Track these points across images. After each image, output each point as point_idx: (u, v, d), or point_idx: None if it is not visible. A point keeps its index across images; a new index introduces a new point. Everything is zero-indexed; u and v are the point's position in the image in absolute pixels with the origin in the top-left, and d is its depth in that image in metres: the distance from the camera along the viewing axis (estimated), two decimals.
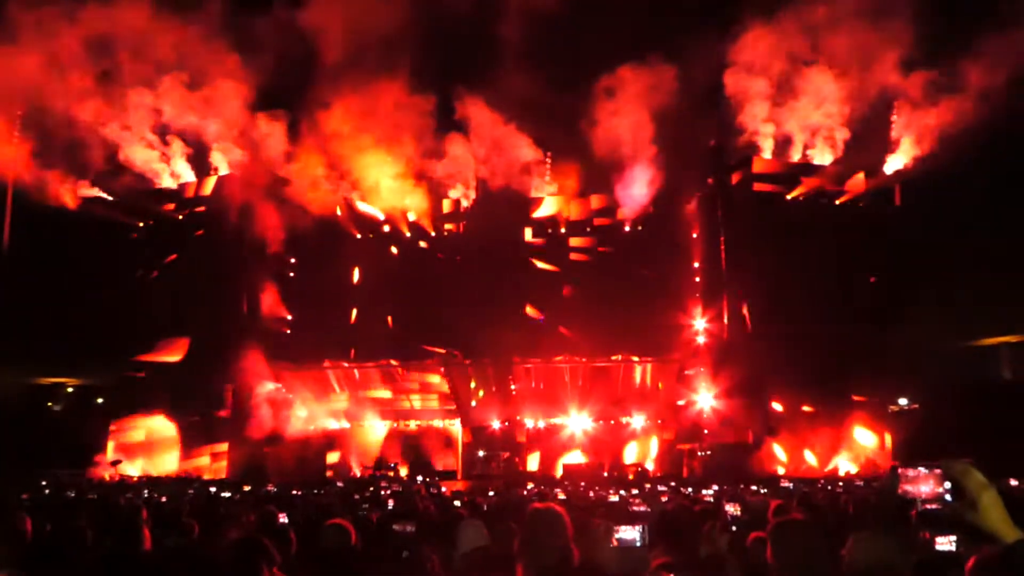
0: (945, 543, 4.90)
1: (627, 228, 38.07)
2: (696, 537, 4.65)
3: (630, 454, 35.65)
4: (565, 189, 38.35)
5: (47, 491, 21.41)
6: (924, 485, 2.52)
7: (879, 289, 33.67)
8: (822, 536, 3.93)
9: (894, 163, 35.23)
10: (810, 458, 33.44)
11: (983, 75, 30.18)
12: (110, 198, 38.08)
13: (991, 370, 37.89)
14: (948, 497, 2.47)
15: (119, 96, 35.29)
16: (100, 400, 39.31)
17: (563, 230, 38.38)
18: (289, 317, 38.69)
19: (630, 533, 3.92)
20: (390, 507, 12.88)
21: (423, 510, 10.41)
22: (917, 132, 33.99)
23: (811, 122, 35.19)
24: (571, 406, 36.71)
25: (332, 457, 36.16)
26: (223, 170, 38.29)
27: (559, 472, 33.68)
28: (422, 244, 39.01)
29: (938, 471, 2.54)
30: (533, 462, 35.86)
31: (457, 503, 11.58)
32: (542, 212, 38.57)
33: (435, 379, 37.77)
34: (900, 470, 2.54)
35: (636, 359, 36.43)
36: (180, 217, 38.68)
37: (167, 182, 38.49)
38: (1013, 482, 20.39)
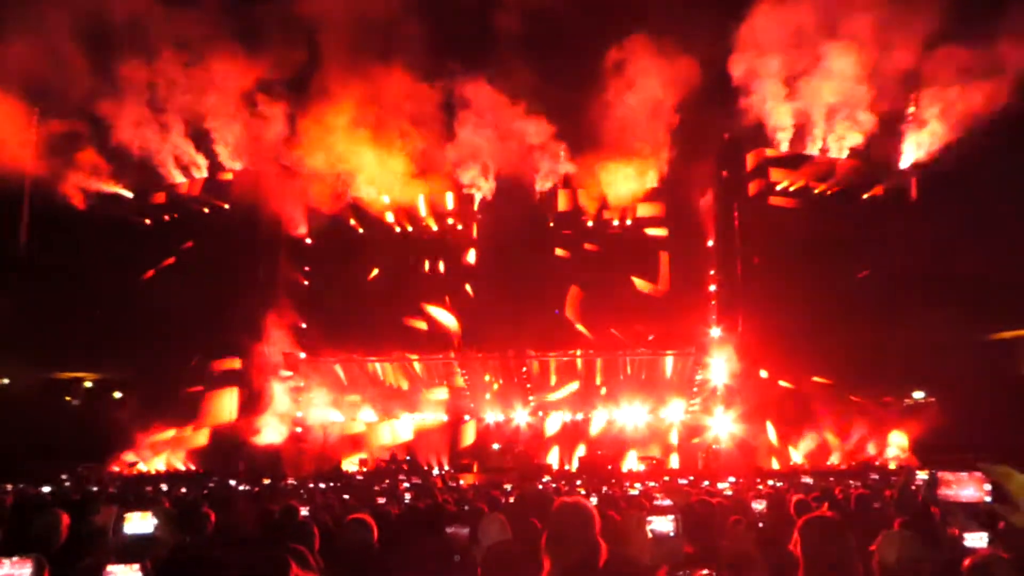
0: (976, 539, 4.88)
1: (642, 222, 37.88)
2: (723, 531, 4.66)
3: (646, 447, 35.59)
4: (579, 182, 38.19)
5: (67, 484, 21.66)
6: (964, 489, 2.52)
7: (897, 283, 33.43)
8: (850, 533, 3.92)
9: (910, 155, 34.95)
10: (826, 451, 33.34)
11: (1003, 66, 29.82)
12: (126, 193, 38.27)
13: (1010, 363, 37.65)
14: (989, 499, 2.48)
15: (126, 90, 35.28)
16: (118, 394, 39.53)
17: (579, 222, 38.23)
18: (305, 310, 38.85)
19: (664, 524, 3.94)
20: (407, 500, 12.94)
21: (442, 503, 10.45)
22: (934, 125, 33.70)
23: (827, 114, 34.89)
24: (585, 400, 36.74)
25: (348, 450, 36.27)
26: (237, 165, 38.37)
27: (575, 465, 33.73)
28: (434, 236, 38.95)
29: (978, 474, 2.54)
30: (548, 455, 35.86)
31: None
32: (555, 205, 38.46)
33: (450, 372, 37.84)
34: (939, 474, 2.55)
35: (652, 352, 36.34)
36: (205, 210, 38.83)
37: (180, 178, 38.59)
38: None
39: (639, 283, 36.54)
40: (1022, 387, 35.18)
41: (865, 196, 35.63)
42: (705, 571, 2.78)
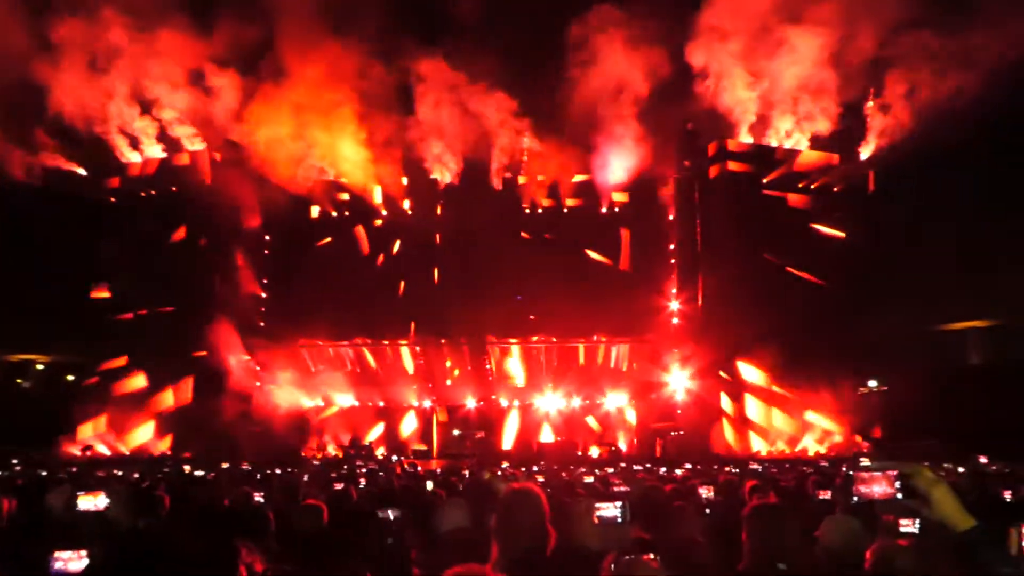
0: (909, 525, 5.04)
1: (603, 210, 38.04)
2: (671, 516, 4.73)
3: (603, 434, 35.88)
4: (541, 169, 38.18)
5: (18, 468, 21.29)
6: (877, 486, 2.61)
7: (851, 273, 33.98)
8: (795, 519, 4.00)
9: (869, 147, 35.51)
10: (780, 440, 33.87)
11: (962, 61, 30.30)
12: (81, 172, 37.51)
13: (960, 354, 38.58)
14: (900, 496, 2.58)
15: (79, 67, 34.51)
16: (71, 377, 38.91)
17: (540, 210, 38.27)
18: (263, 295, 38.50)
19: (611, 510, 3.99)
20: (362, 484, 12.91)
21: (399, 488, 10.45)
22: (890, 118, 34.25)
23: (788, 104, 35.28)
24: (546, 386, 36.91)
25: (306, 436, 36.07)
26: (195, 146, 37.79)
27: (533, 451, 33.86)
28: (396, 221, 38.73)
29: (891, 472, 2.63)
30: (507, 442, 36.00)
31: (430, 484, 11.62)
32: (519, 191, 38.45)
33: (409, 358, 37.75)
34: (854, 473, 2.64)
35: (610, 340, 36.58)
36: (152, 192, 38.09)
37: (137, 158, 37.88)
38: (983, 459, 20.90)
39: (594, 255, 36.72)
40: (971, 376, 36.12)
41: (823, 187, 36.13)
42: (651, 555, 2.83)
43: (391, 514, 4.70)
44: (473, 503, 5.73)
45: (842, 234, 34.89)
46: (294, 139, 35.49)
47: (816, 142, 35.87)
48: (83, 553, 3.36)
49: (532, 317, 36.91)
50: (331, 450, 34.62)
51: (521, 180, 38.22)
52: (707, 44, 33.91)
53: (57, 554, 3.37)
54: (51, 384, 38.28)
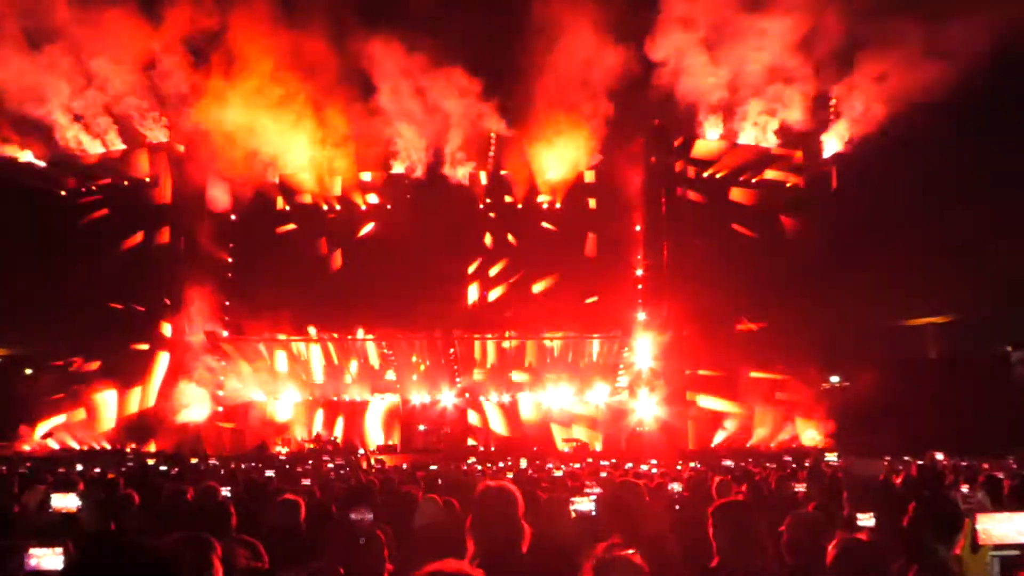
0: (866, 519, 5.19)
1: (569, 205, 38.16)
2: (640, 512, 4.80)
3: (570, 429, 36.02)
4: (509, 164, 38.18)
5: None
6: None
7: (815, 270, 34.44)
8: (761, 515, 4.09)
9: (831, 145, 35.98)
10: (745, 434, 34.28)
11: (924, 56, 30.68)
12: (39, 163, 36.82)
13: (918, 348, 39.28)
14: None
15: (35, 58, 33.85)
16: (28, 371, 38.24)
17: (507, 203, 38.29)
18: (226, 289, 38.13)
19: (586, 504, 4.06)
20: (331, 478, 12.88)
21: (369, 485, 10.45)
22: (853, 115, 34.74)
23: (754, 102, 35.62)
24: (513, 381, 36.96)
25: (272, 431, 35.83)
26: (154, 138, 37.27)
27: (499, 447, 33.93)
28: (360, 214, 38.51)
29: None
30: (474, 437, 36.02)
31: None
32: (485, 184, 38.44)
33: (376, 353, 37.60)
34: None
35: (577, 335, 36.72)
36: (111, 184, 37.49)
37: (95, 149, 37.21)
38: (939, 456, 21.32)
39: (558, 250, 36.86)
40: (932, 371, 36.83)
41: (788, 184, 36.57)
42: (631, 551, 2.89)
43: (364, 515, 4.72)
44: (448, 499, 5.77)
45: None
46: (250, 131, 35.06)
47: (780, 139, 36.25)
48: (59, 551, 3.35)
49: (498, 311, 36.92)
50: (295, 446, 34.38)
51: (487, 172, 38.17)
52: (671, 35, 34.05)
53: (32, 551, 3.36)
54: (8, 377, 37.56)
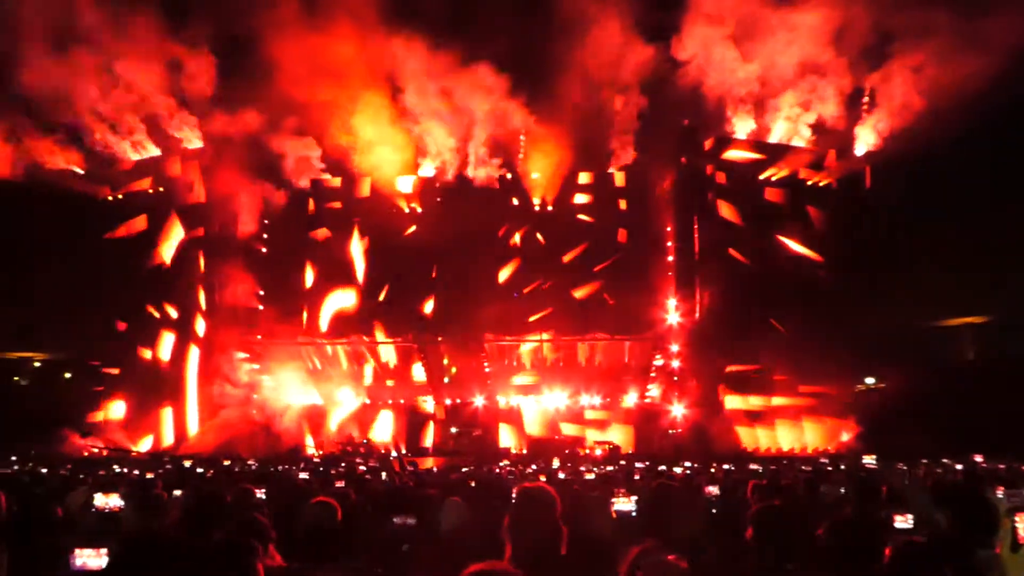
0: (903, 521, 5.11)
1: (600, 207, 38.11)
2: (676, 514, 4.79)
3: (602, 432, 35.89)
4: (538, 161, 38.15)
5: (16, 467, 21.28)
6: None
7: (848, 271, 34.06)
8: (799, 520, 4.06)
9: (864, 143, 35.50)
10: (778, 437, 33.96)
11: (961, 48, 30.17)
12: (77, 170, 37.42)
13: (955, 350, 38.73)
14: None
15: (75, 65, 34.35)
16: (68, 375, 38.92)
17: (537, 208, 38.28)
18: (261, 292, 38.49)
19: (627, 504, 4.04)
20: (365, 480, 12.93)
21: (400, 486, 10.50)
22: (886, 114, 34.26)
23: (786, 101, 35.28)
24: (544, 384, 36.93)
25: (305, 433, 36.11)
26: (190, 143, 37.72)
27: (531, 449, 33.89)
28: (392, 218, 38.67)
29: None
30: (505, 439, 36.03)
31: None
32: (516, 188, 38.45)
33: (408, 356, 37.76)
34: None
35: (609, 337, 36.62)
36: (150, 191, 38.00)
37: (131, 155, 37.78)
38: (977, 458, 20.96)
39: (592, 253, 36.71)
40: (968, 373, 36.26)
41: (820, 184, 36.16)
42: (672, 557, 2.87)
43: (407, 521, 4.74)
44: (475, 502, 5.79)
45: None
46: (282, 135, 35.39)
47: (812, 137, 35.88)
48: (103, 551, 3.42)
49: (528, 316, 36.85)
50: (329, 448, 34.61)
51: (516, 175, 38.13)
52: (699, 32, 33.86)
53: (77, 551, 3.43)
54: (48, 382, 38.24)
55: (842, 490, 8.28)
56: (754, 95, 35.21)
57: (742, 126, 35.82)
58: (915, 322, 36.24)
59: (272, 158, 36.19)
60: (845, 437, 33.13)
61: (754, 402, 34.42)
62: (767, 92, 35.16)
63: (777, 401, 34.00)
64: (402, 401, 37.60)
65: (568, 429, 35.99)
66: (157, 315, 36.21)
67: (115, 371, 36.20)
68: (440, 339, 37.13)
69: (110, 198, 38.19)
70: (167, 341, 36.33)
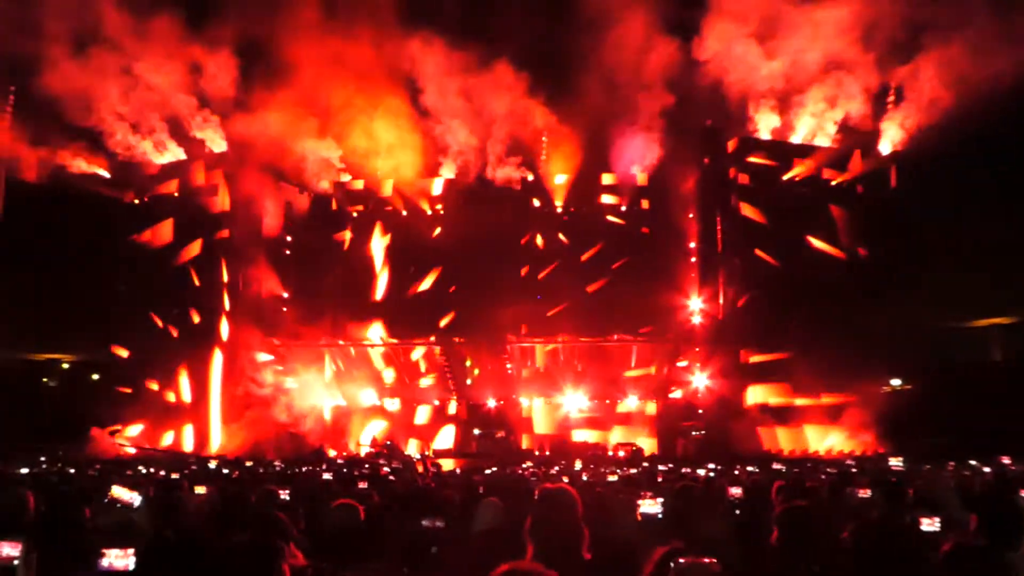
0: (930, 524, 5.05)
1: (623, 208, 38.09)
2: (701, 515, 4.77)
3: (625, 433, 35.81)
4: (560, 167, 38.16)
5: (44, 466, 21.56)
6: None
7: (874, 271, 33.73)
8: (824, 522, 4.03)
9: (889, 141, 35.14)
10: (803, 438, 33.69)
11: (987, 47, 29.76)
12: (104, 174, 37.88)
13: (982, 350, 38.26)
14: None
15: (101, 70, 34.73)
16: (95, 376, 39.38)
17: (559, 209, 38.28)
18: (285, 295, 38.76)
19: (653, 507, 4.02)
20: (389, 481, 12.99)
21: (423, 487, 10.54)
22: (913, 110, 33.89)
23: (809, 100, 35.01)
24: (566, 385, 36.88)
25: (329, 435, 36.29)
26: (214, 147, 38.05)
27: (554, 451, 33.87)
28: (415, 220, 38.82)
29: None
30: (528, 441, 36.03)
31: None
32: (537, 188, 38.46)
33: (430, 357, 37.86)
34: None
35: (631, 339, 36.52)
36: (175, 194, 38.39)
37: (159, 158, 38.18)
38: (1005, 460, 20.69)
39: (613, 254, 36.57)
40: (996, 374, 35.79)
41: (845, 183, 35.85)
42: (707, 560, 2.85)
43: (436, 523, 4.75)
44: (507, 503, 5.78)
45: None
46: (303, 138, 35.57)
47: (837, 136, 35.58)
48: (130, 551, 3.46)
49: (549, 314, 36.77)
50: (353, 449, 34.78)
51: (538, 176, 38.13)
52: (721, 31, 33.69)
53: (105, 552, 3.47)
54: (75, 383, 38.72)
55: (868, 492, 8.21)
56: (778, 93, 34.98)
57: (765, 125, 35.58)
58: (942, 323, 35.84)
59: (295, 161, 36.44)
60: (871, 439, 32.80)
61: (778, 400, 34.11)
62: (791, 90, 34.93)
63: (801, 402, 33.69)
64: (429, 402, 37.69)
65: (590, 431, 35.92)
66: (182, 318, 36.53)
67: (140, 373, 36.57)
68: (463, 341, 37.19)
69: (136, 202, 38.62)
70: (192, 343, 36.63)
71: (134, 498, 5.73)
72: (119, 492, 6.27)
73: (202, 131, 37.50)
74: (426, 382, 38.14)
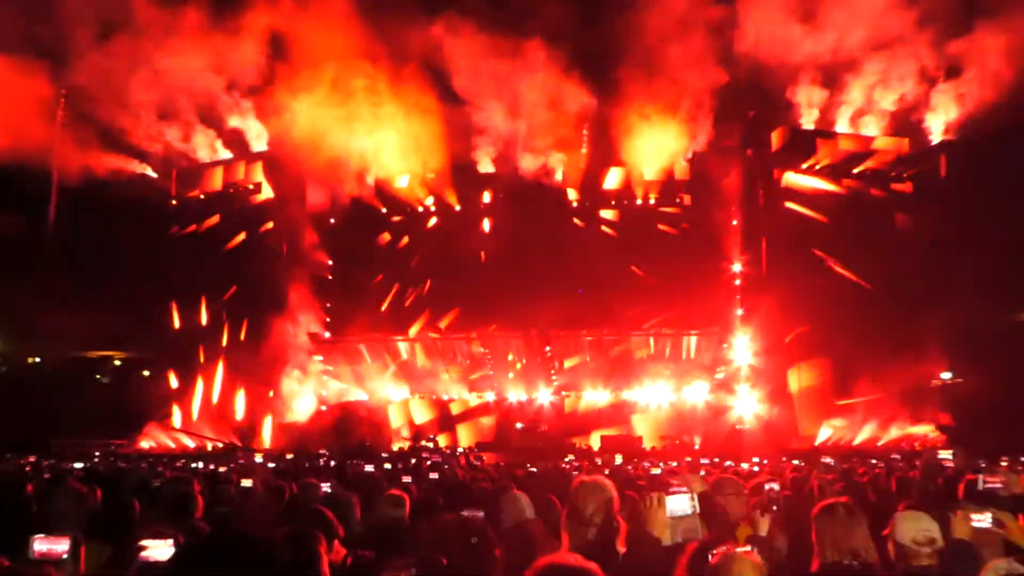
0: (981, 520, 4.92)
1: (663, 203, 37.77)
2: (743, 510, 4.72)
3: (669, 426, 35.57)
4: (601, 158, 37.91)
5: (97, 461, 22.02)
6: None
7: (925, 263, 33.04)
8: (865, 517, 3.95)
9: (938, 130, 34.36)
10: (852, 431, 33.20)
11: None
12: (151, 173, 38.63)
13: None
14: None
15: (146, 72, 35.23)
16: (146, 372, 40.15)
17: (599, 198, 38.11)
18: (329, 290, 39.15)
19: (683, 503, 3.95)
20: (433, 476, 13.06)
21: (463, 479, 10.56)
22: (963, 98, 33.09)
23: (855, 90, 34.38)
24: (607, 379, 36.74)
25: (372, 428, 36.57)
26: (257, 145, 38.53)
27: (597, 444, 33.77)
28: (455, 215, 38.89)
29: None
30: (571, 435, 35.94)
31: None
32: (577, 181, 38.31)
33: (473, 351, 37.98)
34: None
35: (674, 332, 36.25)
36: (219, 192, 39.01)
37: (203, 158, 38.82)
38: None
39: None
40: None
41: (893, 174, 35.17)
42: (748, 547, 2.82)
43: (475, 513, 4.76)
44: (534, 495, 5.78)
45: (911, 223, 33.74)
46: (342, 135, 35.71)
47: (883, 126, 34.90)
48: (169, 542, 3.50)
49: (591, 308, 36.61)
50: (396, 443, 35.02)
51: (579, 167, 37.92)
52: (766, 17, 33.19)
53: (144, 542, 3.52)
54: (128, 379, 39.51)
55: (917, 486, 8.06)
56: (822, 80, 34.38)
57: (809, 115, 35.01)
58: (995, 315, 34.94)
59: (334, 158, 36.64)
60: (921, 432, 32.21)
61: (825, 396, 33.62)
62: (836, 78, 34.32)
63: (849, 395, 33.17)
64: (467, 396, 37.81)
65: (634, 424, 35.74)
66: (228, 314, 37.13)
67: (189, 368, 37.26)
68: (505, 334, 37.22)
69: (176, 201, 39.41)
70: (240, 339, 37.19)
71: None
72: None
73: (244, 129, 38.00)
74: (468, 376, 38.23)
